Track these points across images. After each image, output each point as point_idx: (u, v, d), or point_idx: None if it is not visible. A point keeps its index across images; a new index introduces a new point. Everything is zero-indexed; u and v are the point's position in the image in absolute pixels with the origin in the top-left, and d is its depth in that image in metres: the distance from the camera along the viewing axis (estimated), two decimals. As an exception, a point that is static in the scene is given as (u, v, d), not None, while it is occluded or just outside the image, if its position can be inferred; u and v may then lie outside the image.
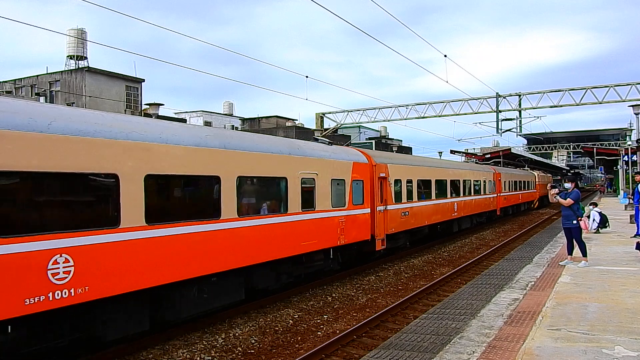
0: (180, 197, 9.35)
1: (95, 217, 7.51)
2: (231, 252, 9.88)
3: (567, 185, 12.20)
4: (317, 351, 8.58)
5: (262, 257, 10.75)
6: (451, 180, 24.03)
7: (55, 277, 6.83)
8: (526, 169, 52.71)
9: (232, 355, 8.82)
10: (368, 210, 15.58)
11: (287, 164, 11.87)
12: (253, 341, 9.52)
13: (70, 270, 7.00)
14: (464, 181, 26.06)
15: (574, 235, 12.01)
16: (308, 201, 12.52)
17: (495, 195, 32.88)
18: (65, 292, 6.94)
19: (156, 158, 8.38)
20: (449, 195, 23.46)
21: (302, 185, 12.31)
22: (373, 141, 59.25)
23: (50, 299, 6.76)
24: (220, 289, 9.94)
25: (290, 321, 10.84)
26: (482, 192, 29.59)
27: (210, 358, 8.66)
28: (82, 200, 7.60)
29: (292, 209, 11.87)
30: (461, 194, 25.41)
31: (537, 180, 49.74)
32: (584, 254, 11.97)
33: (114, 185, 7.69)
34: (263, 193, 11.35)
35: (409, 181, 19.03)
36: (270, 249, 11.00)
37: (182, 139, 9.01)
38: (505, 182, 35.81)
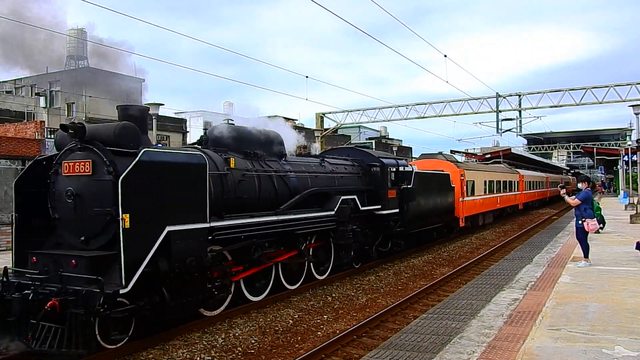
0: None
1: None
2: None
3: (580, 185, 12.63)
4: (317, 351, 8.58)
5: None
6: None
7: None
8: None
9: (232, 355, 8.82)
10: None
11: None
12: (253, 341, 9.52)
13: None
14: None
15: (577, 235, 12.21)
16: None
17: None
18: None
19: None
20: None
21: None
22: (373, 141, 59.33)
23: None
24: None
25: (290, 321, 10.83)
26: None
27: (210, 358, 8.66)
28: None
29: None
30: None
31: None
32: (586, 254, 12.10)
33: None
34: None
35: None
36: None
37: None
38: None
